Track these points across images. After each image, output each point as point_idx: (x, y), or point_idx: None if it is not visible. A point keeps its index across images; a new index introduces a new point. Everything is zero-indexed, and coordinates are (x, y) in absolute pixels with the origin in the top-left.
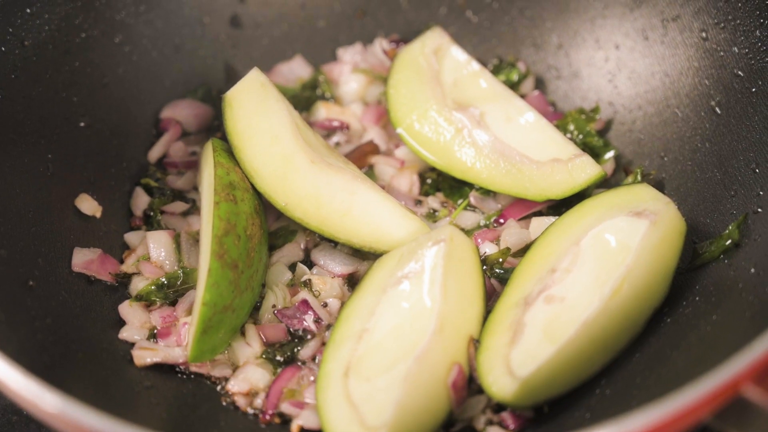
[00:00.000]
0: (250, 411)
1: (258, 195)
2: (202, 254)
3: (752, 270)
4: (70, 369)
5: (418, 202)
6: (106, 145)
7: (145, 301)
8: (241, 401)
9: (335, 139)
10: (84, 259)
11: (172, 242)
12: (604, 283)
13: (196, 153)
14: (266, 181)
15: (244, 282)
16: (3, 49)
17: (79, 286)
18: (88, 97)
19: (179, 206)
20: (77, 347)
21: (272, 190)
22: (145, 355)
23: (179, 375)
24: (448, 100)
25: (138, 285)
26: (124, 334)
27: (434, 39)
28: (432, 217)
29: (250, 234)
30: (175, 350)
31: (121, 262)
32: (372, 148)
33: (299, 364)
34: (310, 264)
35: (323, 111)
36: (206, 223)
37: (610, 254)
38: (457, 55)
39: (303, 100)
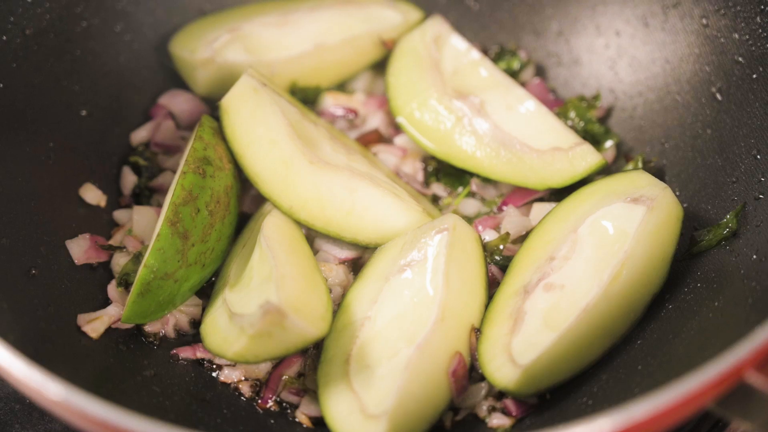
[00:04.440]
0: (252, 398)
1: (239, 180)
2: (159, 220)
3: (754, 256)
4: (72, 357)
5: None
6: (107, 134)
7: (128, 284)
8: (243, 388)
9: (337, 127)
10: (81, 250)
11: (157, 218)
12: (603, 269)
13: (185, 138)
14: (269, 185)
15: (194, 255)
16: (4, 38)
17: (81, 273)
18: (90, 85)
19: (168, 177)
20: (80, 335)
21: (276, 194)
22: (96, 326)
23: (182, 363)
24: (449, 89)
25: (119, 260)
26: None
27: (434, 27)
28: (435, 204)
29: (211, 210)
30: (110, 308)
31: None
32: (375, 137)
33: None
34: (314, 251)
35: (330, 100)
36: (170, 192)
37: (608, 241)
38: (457, 43)
39: (310, 91)
